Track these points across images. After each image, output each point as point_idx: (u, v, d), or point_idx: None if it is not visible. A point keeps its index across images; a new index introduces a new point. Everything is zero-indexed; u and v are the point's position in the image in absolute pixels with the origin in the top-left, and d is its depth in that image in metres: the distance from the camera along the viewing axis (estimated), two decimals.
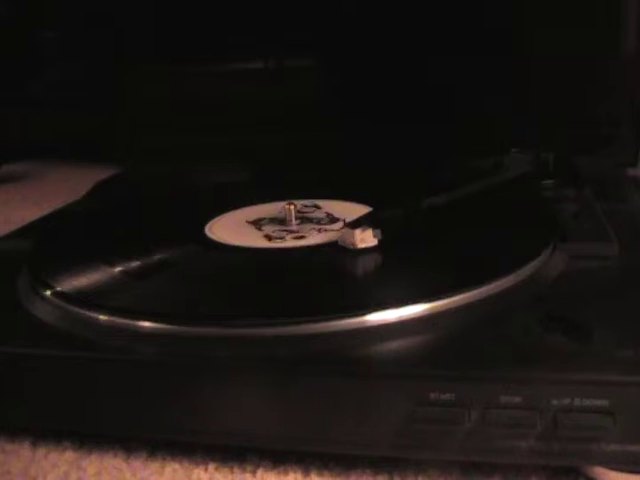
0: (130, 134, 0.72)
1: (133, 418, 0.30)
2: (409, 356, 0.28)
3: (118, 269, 0.37)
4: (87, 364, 0.30)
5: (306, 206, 0.47)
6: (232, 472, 0.30)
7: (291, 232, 0.42)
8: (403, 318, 0.30)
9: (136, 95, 0.72)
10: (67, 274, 0.36)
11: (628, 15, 0.57)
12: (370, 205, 0.45)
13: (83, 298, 0.34)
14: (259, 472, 0.30)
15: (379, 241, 0.38)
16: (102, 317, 0.32)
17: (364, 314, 0.30)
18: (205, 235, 0.42)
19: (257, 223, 0.44)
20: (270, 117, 0.67)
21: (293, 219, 0.43)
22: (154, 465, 0.31)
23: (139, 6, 0.70)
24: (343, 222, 0.42)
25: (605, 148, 0.58)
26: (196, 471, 0.31)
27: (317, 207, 0.47)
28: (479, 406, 0.26)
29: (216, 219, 0.46)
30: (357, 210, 0.45)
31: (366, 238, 0.37)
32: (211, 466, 0.31)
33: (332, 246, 0.39)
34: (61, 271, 0.37)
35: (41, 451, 0.32)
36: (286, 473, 0.30)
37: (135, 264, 0.38)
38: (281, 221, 0.44)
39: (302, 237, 0.41)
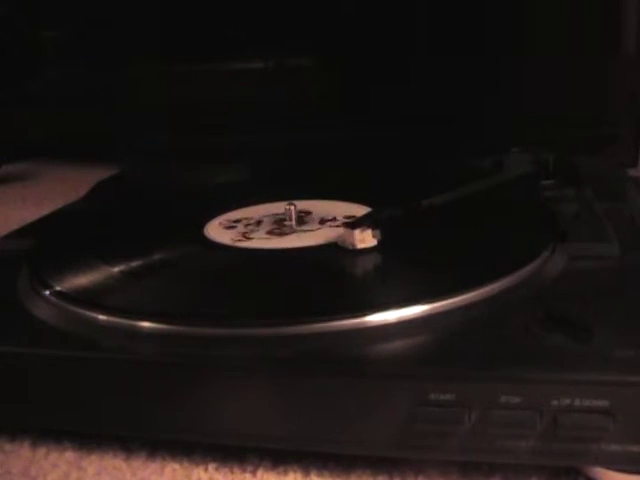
0: (130, 134, 0.72)
1: (133, 418, 0.30)
2: (409, 356, 0.28)
3: (117, 269, 0.37)
4: (87, 364, 0.30)
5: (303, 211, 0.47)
6: (232, 472, 0.30)
7: (288, 232, 0.42)
8: (403, 318, 0.30)
9: (136, 95, 0.72)
10: (67, 274, 0.37)
11: (628, 15, 0.57)
12: (370, 205, 0.45)
13: (83, 298, 0.34)
14: (259, 472, 0.30)
15: (379, 241, 0.38)
16: (102, 317, 0.32)
17: (364, 314, 0.30)
18: (204, 235, 0.42)
19: (256, 223, 0.44)
20: (270, 117, 0.67)
21: (293, 219, 0.43)
22: (154, 465, 0.31)
23: (139, 6, 0.70)
24: (341, 222, 0.41)
25: (605, 148, 0.58)
26: (196, 471, 0.31)
27: (314, 208, 0.47)
28: (479, 406, 0.26)
29: (215, 219, 0.46)
30: (356, 210, 0.45)
31: (366, 238, 0.37)
32: (211, 466, 0.31)
33: (332, 246, 0.39)
34: (61, 271, 0.37)
35: (41, 451, 0.32)
36: (286, 473, 0.30)
37: (134, 264, 0.38)
38: (280, 221, 0.44)
39: (299, 237, 0.41)
